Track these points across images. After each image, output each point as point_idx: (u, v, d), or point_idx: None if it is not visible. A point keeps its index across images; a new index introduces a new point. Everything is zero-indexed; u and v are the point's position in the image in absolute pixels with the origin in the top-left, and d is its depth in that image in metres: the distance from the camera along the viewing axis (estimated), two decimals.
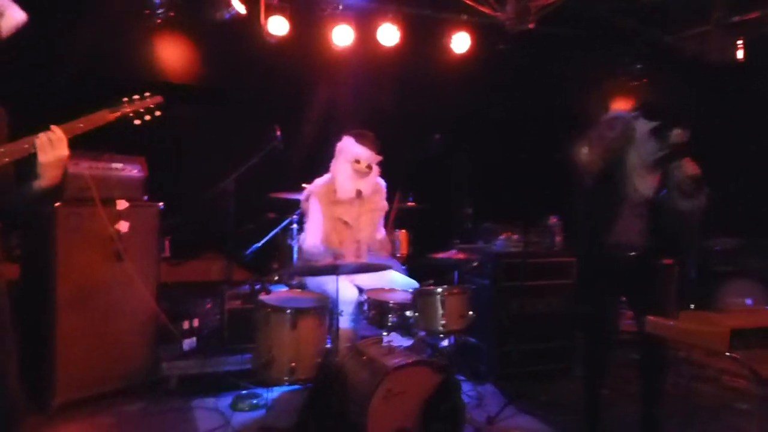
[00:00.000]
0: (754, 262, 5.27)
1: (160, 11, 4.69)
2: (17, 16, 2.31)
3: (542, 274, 4.62)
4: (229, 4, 4.71)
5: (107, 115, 2.33)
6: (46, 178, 2.23)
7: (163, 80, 5.32)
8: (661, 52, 5.74)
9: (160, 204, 4.10)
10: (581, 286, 4.24)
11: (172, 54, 5.39)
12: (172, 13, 4.77)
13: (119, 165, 3.94)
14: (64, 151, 2.22)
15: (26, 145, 2.21)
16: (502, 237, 4.78)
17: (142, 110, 2.40)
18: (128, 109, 2.38)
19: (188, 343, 4.18)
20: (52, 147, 2.19)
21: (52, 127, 2.23)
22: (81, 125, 2.27)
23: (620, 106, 6.36)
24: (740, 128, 5.29)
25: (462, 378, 3.86)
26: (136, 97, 2.41)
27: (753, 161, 5.27)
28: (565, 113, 6.10)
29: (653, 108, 3.29)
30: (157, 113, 2.43)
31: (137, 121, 2.39)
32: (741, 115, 5.32)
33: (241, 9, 4.76)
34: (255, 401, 3.83)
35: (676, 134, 3.13)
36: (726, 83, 5.37)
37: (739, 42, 5.21)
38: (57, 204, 3.57)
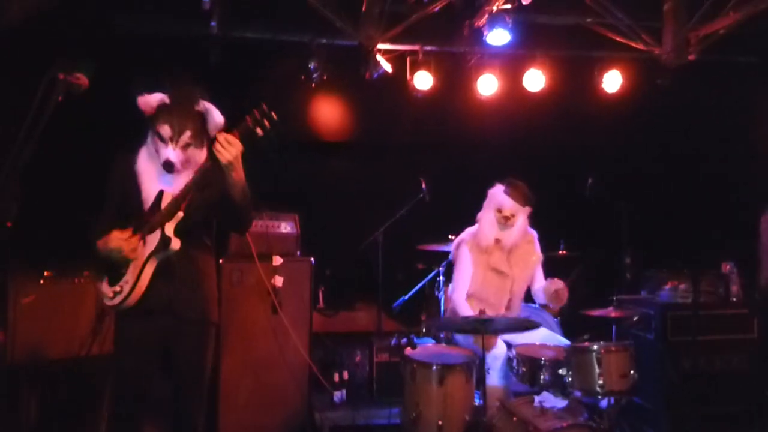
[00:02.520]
0: None
1: (314, 75, 5.00)
2: (218, 118, 2.61)
3: (717, 327, 4.15)
4: (377, 64, 4.91)
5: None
6: (234, 179, 2.48)
7: (318, 140, 5.67)
8: None
9: (312, 258, 4.29)
10: None
11: (325, 114, 5.75)
12: (325, 77, 5.07)
13: (275, 222, 4.21)
14: (238, 146, 2.41)
15: (207, 164, 2.47)
16: (667, 286, 4.39)
17: (258, 118, 2.46)
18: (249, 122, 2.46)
19: (339, 394, 4.27)
20: (228, 147, 2.40)
21: (218, 135, 2.45)
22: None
23: None
24: None
25: None
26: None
27: None
28: (738, 148, 5.53)
29: None
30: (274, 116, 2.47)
31: (258, 130, 2.44)
32: None
33: (389, 67, 4.94)
34: None
35: None
36: None
37: None
38: (221, 260, 3.88)
